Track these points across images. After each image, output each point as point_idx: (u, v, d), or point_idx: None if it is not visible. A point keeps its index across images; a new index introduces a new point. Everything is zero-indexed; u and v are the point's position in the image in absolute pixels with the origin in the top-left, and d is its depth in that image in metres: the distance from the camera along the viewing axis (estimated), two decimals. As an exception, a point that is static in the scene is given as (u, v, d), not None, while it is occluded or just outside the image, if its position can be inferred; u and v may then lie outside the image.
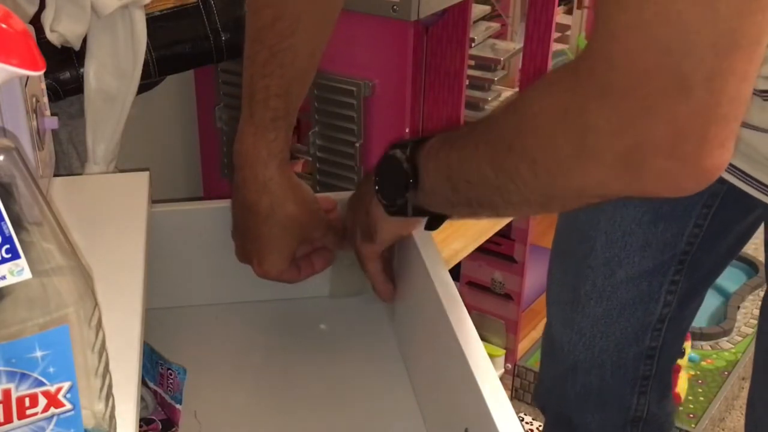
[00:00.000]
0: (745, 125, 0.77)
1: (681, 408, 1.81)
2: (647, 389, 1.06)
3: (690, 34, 0.50)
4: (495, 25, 1.72)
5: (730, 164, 0.82)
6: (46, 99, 0.80)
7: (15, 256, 0.44)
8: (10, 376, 0.46)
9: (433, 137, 0.78)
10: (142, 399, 0.80)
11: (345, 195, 0.96)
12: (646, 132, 0.54)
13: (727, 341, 2.04)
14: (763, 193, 0.81)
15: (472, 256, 1.57)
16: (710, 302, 2.15)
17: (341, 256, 0.96)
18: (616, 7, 0.53)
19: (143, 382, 0.81)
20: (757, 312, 1.18)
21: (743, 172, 0.82)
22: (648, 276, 0.99)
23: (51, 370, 0.47)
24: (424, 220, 0.84)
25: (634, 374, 1.04)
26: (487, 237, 1.52)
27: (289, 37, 0.85)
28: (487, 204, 0.72)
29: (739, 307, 2.14)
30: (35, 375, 0.46)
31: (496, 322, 1.85)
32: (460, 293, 0.79)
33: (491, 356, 1.68)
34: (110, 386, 0.53)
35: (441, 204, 0.77)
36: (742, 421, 1.01)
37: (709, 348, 2.02)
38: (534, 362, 1.86)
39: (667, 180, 0.56)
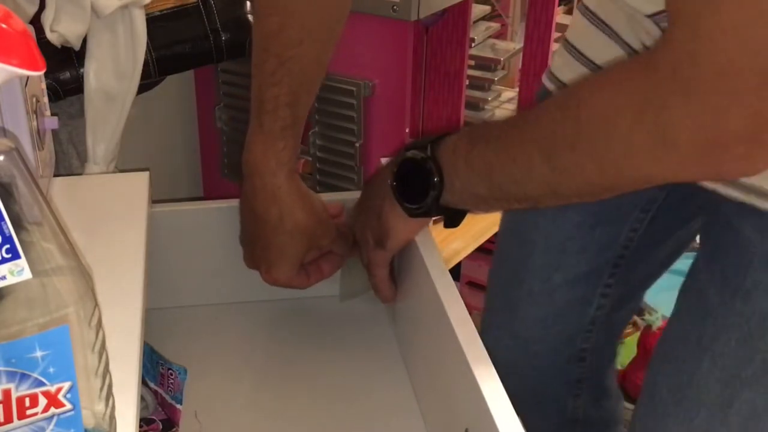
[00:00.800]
0: None
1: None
2: (581, 391, 1.06)
3: None
4: (495, 25, 1.72)
5: None
6: (46, 99, 0.80)
7: (15, 256, 0.44)
8: (10, 376, 0.46)
9: (448, 136, 0.79)
10: (142, 399, 0.80)
11: (348, 195, 0.96)
12: (729, 124, 0.57)
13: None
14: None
15: (472, 256, 1.57)
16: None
17: (349, 259, 0.96)
18: (707, 8, 0.55)
19: (144, 382, 0.81)
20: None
21: None
22: (584, 279, 0.99)
23: (51, 370, 0.47)
24: (430, 221, 0.84)
25: (567, 377, 1.03)
26: (487, 237, 1.52)
27: (296, 46, 0.85)
28: (531, 199, 0.73)
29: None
30: (35, 375, 0.46)
31: (496, 322, 1.85)
32: (460, 293, 0.79)
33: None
34: (110, 386, 0.53)
35: (471, 201, 0.78)
36: None
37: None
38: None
39: (744, 164, 0.60)
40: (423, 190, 0.79)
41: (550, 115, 0.69)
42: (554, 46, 1.65)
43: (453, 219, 0.84)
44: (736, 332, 0.82)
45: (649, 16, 0.75)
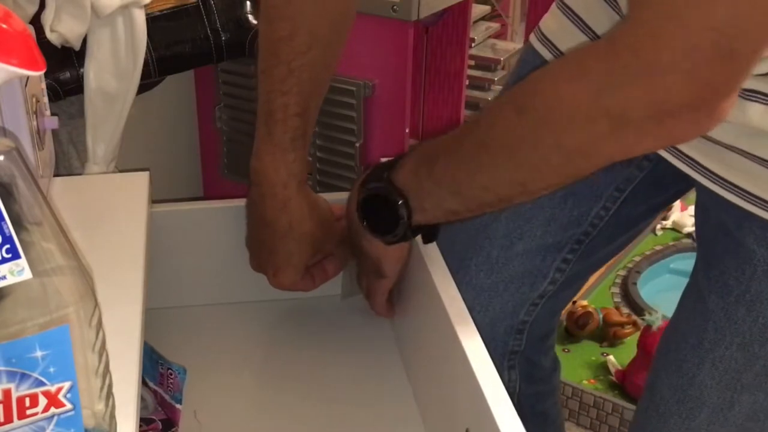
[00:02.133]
0: None
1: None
2: (515, 363, 1.05)
3: (745, 17, 0.57)
4: (495, 25, 1.72)
5: (685, 154, 0.83)
6: (46, 99, 0.80)
7: (15, 256, 0.44)
8: (11, 376, 0.46)
9: (402, 159, 0.79)
10: (142, 399, 0.80)
11: (348, 195, 0.97)
12: (683, 97, 0.60)
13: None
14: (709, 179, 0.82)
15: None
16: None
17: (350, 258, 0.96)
18: None
19: (143, 382, 0.81)
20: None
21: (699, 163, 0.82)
22: (544, 251, 0.98)
23: (51, 370, 0.47)
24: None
25: (503, 349, 1.02)
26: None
27: (306, 53, 0.85)
28: (504, 200, 0.75)
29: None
30: (35, 375, 0.46)
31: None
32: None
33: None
34: (110, 386, 0.53)
35: (444, 216, 0.79)
36: None
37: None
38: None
39: (693, 127, 0.64)
40: (393, 219, 0.80)
41: (505, 117, 0.70)
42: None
43: (430, 235, 0.85)
44: (738, 338, 0.83)
45: None
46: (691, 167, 0.83)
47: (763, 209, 0.78)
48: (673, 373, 0.88)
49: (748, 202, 0.79)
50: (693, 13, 0.58)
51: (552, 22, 0.95)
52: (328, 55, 0.88)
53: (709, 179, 0.81)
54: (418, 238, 0.86)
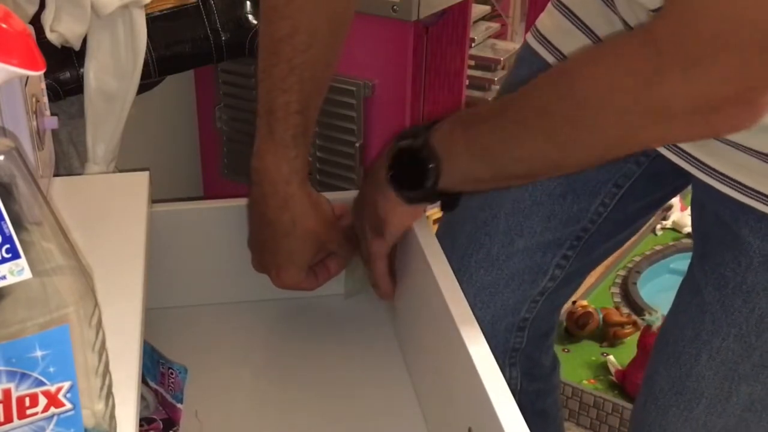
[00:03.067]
0: None
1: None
2: (516, 361, 1.05)
3: None
4: (495, 25, 1.73)
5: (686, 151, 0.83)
6: (46, 99, 0.80)
7: (15, 255, 0.44)
8: (10, 375, 0.46)
9: (440, 122, 0.79)
10: (143, 398, 0.80)
11: (348, 195, 0.96)
12: (724, 91, 0.61)
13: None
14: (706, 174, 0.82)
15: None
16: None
17: (352, 257, 0.96)
18: None
19: (144, 382, 0.81)
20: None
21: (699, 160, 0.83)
22: (544, 247, 0.98)
23: (51, 369, 0.47)
24: (425, 208, 0.85)
25: (504, 346, 1.02)
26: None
27: (306, 51, 0.85)
28: (535, 175, 0.77)
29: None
30: (35, 375, 0.46)
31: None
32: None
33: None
34: (110, 386, 0.53)
35: (471, 184, 0.80)
36: None
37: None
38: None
39: (734, 122, 0.64)
40: (419, 178, 0.80)
41: (545, 93, 0.71)
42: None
43: (451, 202, 0.85)
44: (735, 329, 0.83)
45: (655, 11, 0.75)
46: (686, 161, 0.83)
47: (759, 201, 0.79)
48: (671, 366, 0.88)
49: (744, 194, 0.80)
50: (734, 6, 0.58)
51: (548, 20, 0.95)
52: (328, 54, 0.88)
53: (705, 173, 0.82)
54: (423, 232, 0.86)
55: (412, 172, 0.80)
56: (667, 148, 0.85)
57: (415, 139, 0.80)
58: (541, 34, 0.96)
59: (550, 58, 0.94)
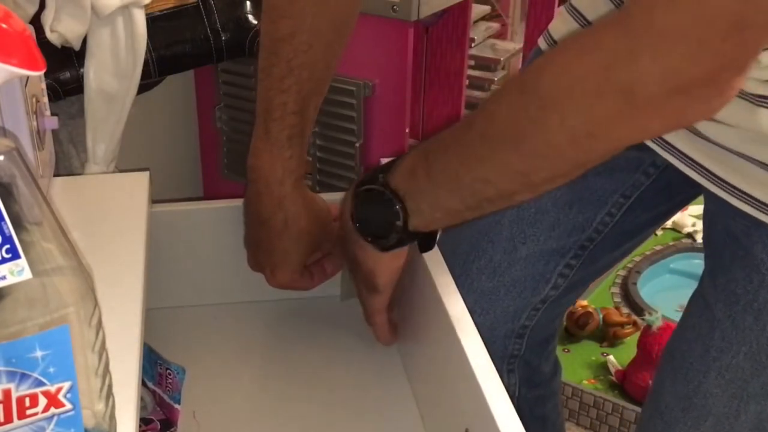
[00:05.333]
0: (717, 122, 0.77)
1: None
2: (514, 367, 1.04)
3: None
4: (495, 25, 1.72)
5: (694, 161, 0.82)
6: (46, 99, 0.80)
7: (15, 256, 0.44)
8: (10, 376, 0.46)
9: (398, 160, 0.77)
10: (141, 399, 0.80)
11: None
12: (693, 70, 0.58)
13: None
14: (718, 186, 0.81)
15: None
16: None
17: None
18: None
19: (142, 382, 0.81)
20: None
21: (707, 169, 0.82)
22: (547, 256, 0.96)
23: (51, 370, 0.47)
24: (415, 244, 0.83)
25: (502, 352, 1.02)
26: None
27: (306, 52, 0.84)
28: (506, 196, 0.71)
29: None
30: (35, 375, 0.46)
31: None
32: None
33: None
34: (110, 386, 0.53)
35: (442, 219, 0.76)
36: None
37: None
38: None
39: (703, 106, 0.60)
40: (385, 222, 0.77)
41: (508, 102, 0.67)
42: (554, 46, 1.65)
43: (427, 242, 0.82)
44: (745, 347, 0.82)
45: None
46: (699, 173, 0.82)
47: None
48: (678, 382, 0.87)
49: (757, 209, 0.78)
50: None
51: (561, 25, 0.94)
52: (328, 55, 0.87)
53: (717, 186, 0.80)
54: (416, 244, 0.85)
55: (379, 219, 0.77)
56: (679, 159, 0.83)
57: (374, 182, 0.77)
58: (553, 39, 0.95)
59: None
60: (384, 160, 0.95)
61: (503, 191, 0.71)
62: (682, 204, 1.00)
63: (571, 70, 0.62)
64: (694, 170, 0.82)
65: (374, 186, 0.77)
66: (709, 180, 0.81)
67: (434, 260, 0.83)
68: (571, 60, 0.62)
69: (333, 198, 0.95)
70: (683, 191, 0.95)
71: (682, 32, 0.57)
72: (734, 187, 0.79)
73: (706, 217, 0.89)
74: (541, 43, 0.97)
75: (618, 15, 0.60)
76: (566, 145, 0.64)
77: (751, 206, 0.78)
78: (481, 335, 0.72)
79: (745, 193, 0.79)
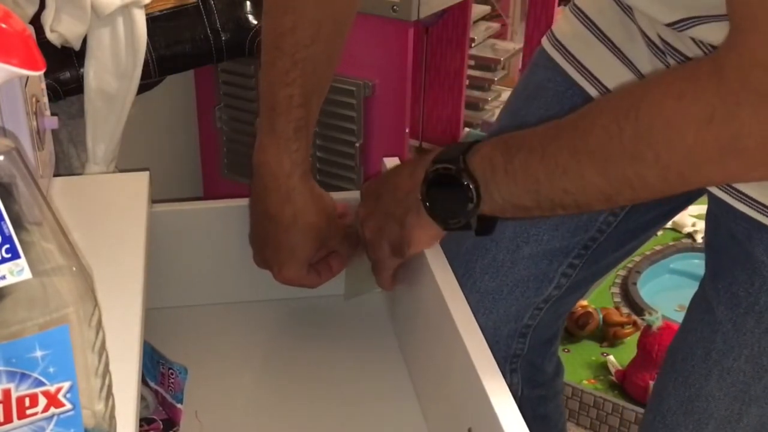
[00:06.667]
0: None
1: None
2: (517, 367, 1.04)
3: None
4: (495, 25, 1.73)
5: None
6: (46, 99, 0.80)
7: (15, 256, 0.44)
8: (10, 376, 0.46)
9: (478, 145, 0.77)
10: (143, 398, 0.80)
11: (348, 195, 0.96)
12: None
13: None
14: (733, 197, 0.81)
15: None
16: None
17: (354, 258, 0.96)
18: None
19: (144, 382, 0.81)
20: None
21: None
22: (550, 255, 0.96)
23: (51, 370, 0.47)
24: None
25: (505, 352, 1.01)
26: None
27: (309, 46, 0.85)
28: (583, 207, 0.73)
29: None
30: (35, 375, 0.46)
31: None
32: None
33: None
34: (110, 386, 0.53)
35: (512, 211, 0.77)
36: None
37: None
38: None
39: None
40: (456, 203, 0.77)
41: (603, 125, 0.67)
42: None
43: (488, 227, 0.82)
44: (747, 350, 0.82)
45: (668, 25, 0.74)
46: None
47: None
48: (680, 384, 0.87)
49: (757, 211, 0.78)
50: None
51: (565, 26, 0.94)
52: (330, 50, 0.88)
53: (719, 188, 0.80)
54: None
55: (451, 200, 0.78)
56: None
57: (453, 162, 0.76)
58: (557, 40, 0.95)
59: (565, 65, 0.93)
60: (388, 160, 0.95)
61: (581, 203, 0.72)
62: (686, 203, 1.00)
63: (671, 113, 0.63)
64: None
65: (452, 165, 0.76)
66: None
67: (437, 259, 0.83)
68: (672, 104, 0.63)
69: (335, 198, 0.95)
70: (687, 191, 0.95)
71: None
72: (736, 189, 0.79)
73: (709, 219, 0.89)
74: (545, 44, 0.97)
75: (711, 65, 0.61)
76: (655, 179, 0.66)
77: (752, 208, 0.78)
78: (484, 335, 0.72)
79: (746, 195, 0.78)
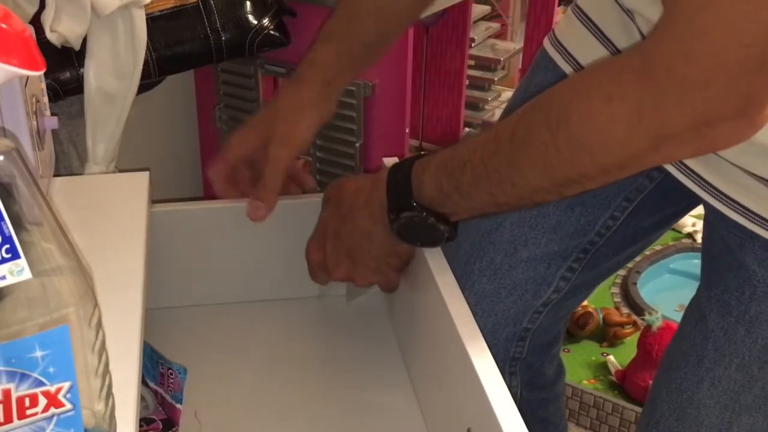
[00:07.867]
0: None
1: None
2: (516, 370, 1.04)
3: None
4: (495, 25, 1.73)
5: (693, 171, 0.82)
6: (46, 99, 0.80)
7: (15, 256, 0.44)
8: (10, 376, 0.46)
9: (417, 178, 0.79)
10: (142, 398, 0.80)
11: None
12: (721, 110, 0.61)
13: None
14: (721, 202, 0.81)
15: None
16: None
17: None
18: (704, 4, 0.58)
19: (144, 382, 0.81)
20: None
21: (704, 180, 0.82)
22: (548, 259, 0.97)
23: (51, 370, 0.47)
24: None
25: (504, 355, 1.02)
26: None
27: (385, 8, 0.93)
28: (542, 202, 0.78)
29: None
30: (35, 375, 0.46)
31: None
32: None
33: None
34: (110, 386, 0.53)
35: (481, 214, 0.80)
36: None
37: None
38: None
39: (734, 136, 0.64)
40: (437, 236, 0.80)
41: (537, 135, 0.70)
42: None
43: (450, 234, 0.84)
44: (737, 359, 0.82)
45: None
46: (694, 182, 0.82)
47: (765, 229, 0.78)
48: (672, 391, 0.88)
49: (750, 221, 0.78)
50: (721, 29, 0.58)
51: (566, 27, 0.94)
52: (381, 42, 0.97)
53: (712, 196, 0.81)
54: None
55: (426, 235, 0.81)
56: (677, 168, 0.84)
57: (410, 210, 0.79)
58: (558, 41, 0.95)
59: (566, 68, 0.93)
60: (388, 160, 0.95)
61: (539, 201, 0.76)
62: (688, 209, 1.00)
63: (601, 117, 0.65)
64: (691, 179, 0.82)
65: (412, 213, 0.79)
66: (704, 189, 0.81)
67: (437, 261, 0.83)
68: (600, 108, 0.65)
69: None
70: (687, 197, 0.95)
71: (703, 82, 0.60)
72: (728, 197, 0.80)
73: (706, 224, 0.89)
74: (546, 45, 0.97)
75: (638, 63, 0.63)
76: (597, 174, 0.69)
77: (744, 217, 0.79)
78: (485, 338, 0.72)
79: (738, 204, 0.79)
